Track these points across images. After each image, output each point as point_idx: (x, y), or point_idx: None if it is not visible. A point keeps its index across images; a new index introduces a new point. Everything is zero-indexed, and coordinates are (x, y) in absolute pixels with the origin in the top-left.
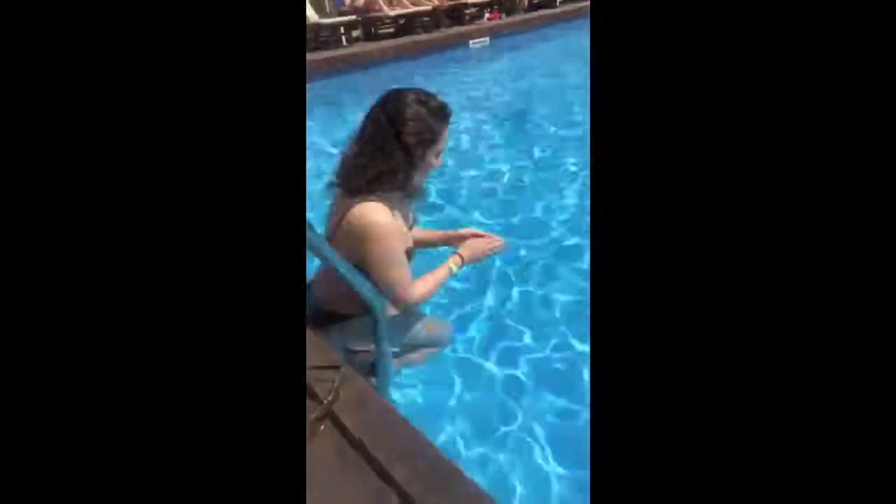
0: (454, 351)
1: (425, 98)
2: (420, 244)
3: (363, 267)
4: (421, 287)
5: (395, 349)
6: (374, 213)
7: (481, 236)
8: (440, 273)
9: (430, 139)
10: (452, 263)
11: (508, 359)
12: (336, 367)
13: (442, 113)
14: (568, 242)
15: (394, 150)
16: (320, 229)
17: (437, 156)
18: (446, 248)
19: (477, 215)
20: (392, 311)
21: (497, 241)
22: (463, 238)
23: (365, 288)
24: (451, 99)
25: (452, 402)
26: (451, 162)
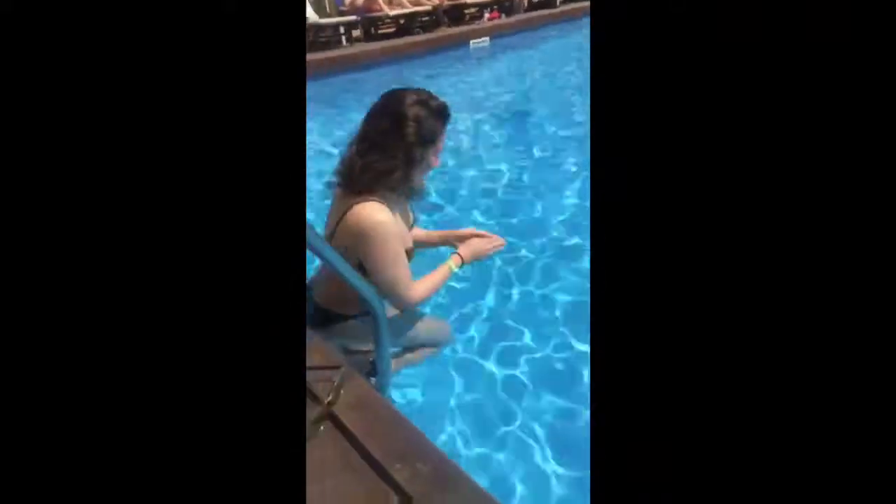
0: (454, 351)
1: (426, 98)
2: (420, 244)
3: (363, 267)
4: (421, 287)
5: (395, 349)
6: (374, 213)
7: (481, 236)
8: (440, 273)
9: (430, 139)
10: (453, 263)
11: (508, 359)
12: (336, 367)
13: (442, 113)
14: (568, 243)
15: (394, 149)
16: (320, 229)
17: (436, 155)
18: (446, 247)
19: (477, 215)
20: (392, 311)
21: (497, 240)
22: (463, 238)
23: (364, 288)
24: (451, 99)
25: (452, 402)
26: (451, 162)
